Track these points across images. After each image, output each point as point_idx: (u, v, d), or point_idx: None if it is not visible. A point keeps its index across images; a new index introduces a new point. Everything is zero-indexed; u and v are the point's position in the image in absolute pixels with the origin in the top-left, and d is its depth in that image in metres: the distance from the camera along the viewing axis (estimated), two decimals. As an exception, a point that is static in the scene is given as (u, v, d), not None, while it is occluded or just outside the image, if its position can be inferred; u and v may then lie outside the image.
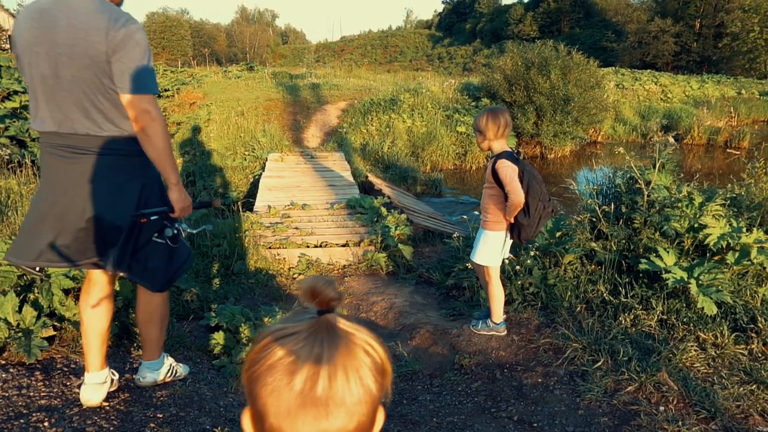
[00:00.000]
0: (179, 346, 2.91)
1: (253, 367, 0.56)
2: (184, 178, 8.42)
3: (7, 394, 2.08)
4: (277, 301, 4.04)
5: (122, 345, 2.74)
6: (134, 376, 2.36)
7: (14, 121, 6.92)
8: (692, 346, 2.78)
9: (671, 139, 13.64)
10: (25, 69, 1.84)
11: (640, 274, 3.42)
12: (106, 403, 2.16)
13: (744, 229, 3.29)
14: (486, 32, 65.30)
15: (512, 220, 2.93)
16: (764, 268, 3.20)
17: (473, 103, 13.23)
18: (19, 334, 2.36)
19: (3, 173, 5.28)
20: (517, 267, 3.61)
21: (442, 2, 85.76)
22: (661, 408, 2.37)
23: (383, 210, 5.70)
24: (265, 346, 0.57)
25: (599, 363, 2.74)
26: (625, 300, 3.27)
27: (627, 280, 3.44)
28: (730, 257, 3.25)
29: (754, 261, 3.17)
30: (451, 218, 7.11)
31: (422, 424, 2.55)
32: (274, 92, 15.26)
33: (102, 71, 1.80)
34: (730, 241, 3.20)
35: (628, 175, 4.08)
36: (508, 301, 3.48)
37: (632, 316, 3.12)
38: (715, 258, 3.33)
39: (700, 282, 3.04)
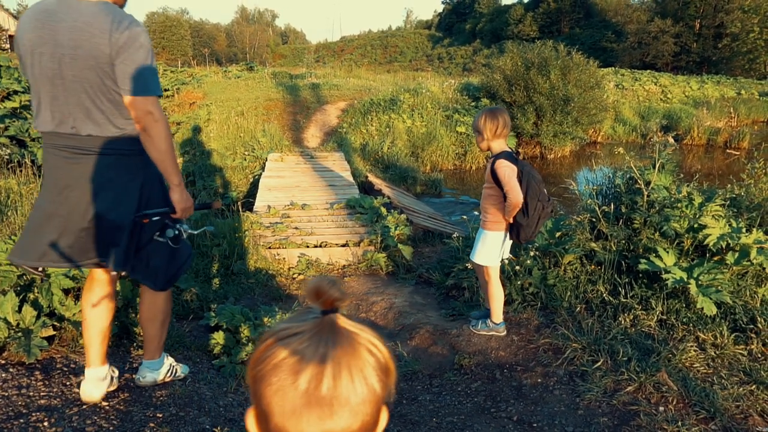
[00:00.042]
0: (179, 346, 2.91)
1: (258, 366, 0.56)
2: (183, 178, 8.42)
3: (6, 394, 2.08)
4: (277, 301, 4.04)
5: (122, 345, 2.74)
6: (134, 376, 2.36)
7: (14, 121, 6.92)
8: (692, 346, 2.78)
9: (671, 140, 13.66)
10: (27, 69, 1.85)
11: (640, 275, 3.42)
12: (106, 403, 2.17)
13: (744, 230, 3.30)
14: (486, 32, 65.32)
15: (511, 220, 2.93)
16: (764, 268, 3.21)
17: (473, 104, 13.23)
18: (19, 334, 2.36)
19: (3, 173, 5.28)
20: (517, 267, 3.61)
21: (442, 2, 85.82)
22: (661, 408, 2.37)
23: (383, 210, 5.70)
24: (270, 345, 0.57)
25: (599, 363, 2.74)
26: (624, 300, 3.27)
27: (627, 280, 3.44)
28: (730, 257, 3.26)
29: (754, 261, 3.17)
30: (450, 218, 7.11)
31: (422, 424, 2.55)
32: (274, 92, 15.26)
33: (105, 73, 1.81)
34: (729, 241, 3.20)
35: (628, 176, 4.08)
36: (508, 302, 3.48)
37: (632, 317, 3.12)
38: (715, 258, 3.33)
39: (699, 282, 3.05)
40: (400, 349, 3.26)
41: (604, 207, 3.85)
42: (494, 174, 2.89)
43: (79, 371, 2.35)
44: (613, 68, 29.26)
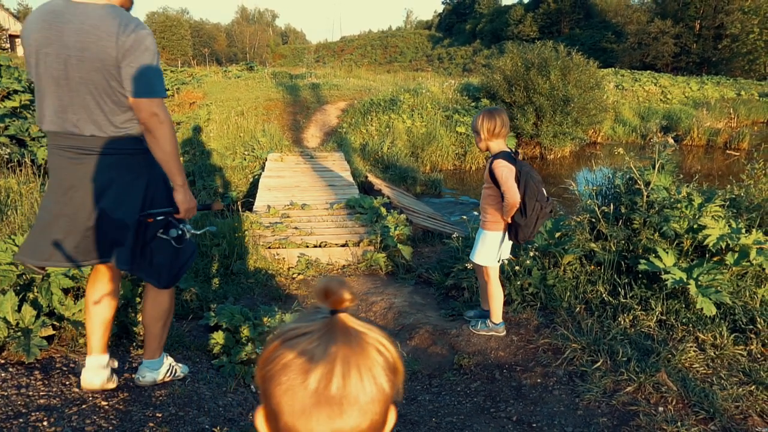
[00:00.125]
0: (178, 346, 2.91)
1: (267, 366, 0.57)
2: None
3: (6, 394, 2.08)
4: (277, 300, 4.04)
5: (122, 344, 2.74)
6: (134, 376, 2.36)
7: (14, 121, 6.92)
8: (691, 346, 2.78)
9: (671, 140, 13.66)
10: (32, 68, 1.87)
11: (640, 275, 3.42)
12: (105, 402, 2.16)
13: (743, 230, 3.30)
14: (486, 33, 65.33)
15: (509, 220, 2.93)
16: (763, 269, 3.21)
17: (473, 104, 13.24)
18: (18, 334, 2.36)
19: (3, 172, 5.28)
20: (517, 267, 3.62)
21: (442, 3, 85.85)
22: (660, 408, 2.37)
23: (383, 210, 5.70)
24: (279, 345, 0.57)
25: (598, 363, 2.74)
26: (624, 300, 3.27)
27: (626, 280, 3.44)
28: (730, 258, 3.26)
29: (753, 262, 3.17)
30: (450, 218, 7.11)
31: (421, 424, 2.55)
32: (274, 92, 15.27)
33: (110, 75, 1.84)
34: (729, 242, 3.20)
35: (628, 176, 4.08)
36: (508, 302, 3.48)
37: (631, 317, 3.12)
38: (715, 259, 3.33)
39: (699, 283, 3.05)
40: (400, 349, 3.26)
41: (603, 207, 3.85)
42: (492, 174, 2.90)
43: (79, 371, 2.34)
44: (613, 69, 29.27)
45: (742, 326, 2.94)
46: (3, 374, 2.19)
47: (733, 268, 3.25)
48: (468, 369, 3.00)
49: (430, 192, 9.33)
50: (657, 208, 3.66)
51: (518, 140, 12.07)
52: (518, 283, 3.60)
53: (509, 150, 2.96)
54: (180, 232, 2.06)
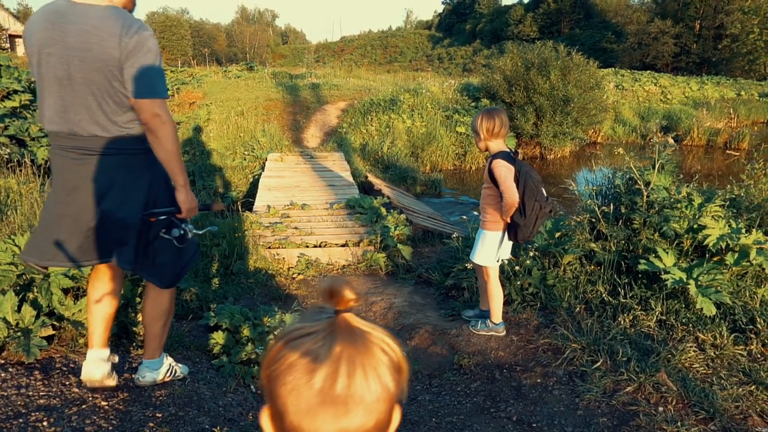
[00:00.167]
0: (178, 346, 2.91)
1: (272, 366, 0.57)
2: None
3: (6, 394, 2.08)
4: (276, 300, 4.04)
5: (121, 345, 2.74)
6: (133, 376, 2.36)
7: (14, 121, 6.91)
8: (691, 346, 2.78)
9: (671, 140, 13.66)
10: (34, 68, 1.88)
11: (640, 275, 3.42)
12: (105, 403, 2.16)
13: (743, 230, 3.30)
14: (486, 33, 65.33)
15: (509, 220, 2.93)
16: (763, 269, 3.21)
17: (473, 104, 13.23)
18: (18, 334, 2.35)
19: (2, 173, 5.28)
20: (517, 267, 3.61)
21: (442, 3, 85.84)
22: (660, 408, 2.37)
23: (383, 210, 5.70)
24: (284, 345, 0.58)
25: (598, 363, 2.74)
26: (624, 300, 3.27)
27: (626, 280, 3.44)
28: (730, 258, 3.26)
29: (753, 262, 3.17)
30: (450, 218, 7.11)
31: (421, 424, 2.55)
32: (274, 92, 15.27)
33: (113, 75, 1.85)
34: (729, 242, 3.20)
35: (628, 176, 4.08)
36: (508, 302, 3.48)
37: (631, 317, 3.12)
38: (715, 259, 3.33)
39: (699, 283, 3.05)
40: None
41: (603, 207, 3.85)
42: (491, 174, 2.90)
43: (78, 371, 2.34)
44: (613, 69, 29.26)
45: (742, 326, 2.94)
46: (3, 374, 2.19)
47: (733, 268, 3.25)
48: (468, 369, 3.00)
49: (430, 192, 9.33)
50: (657, 208, 3.66)
51: (518, 140, 12.07)
52: (518, 283, 3.60)
53: (509, 150, 2.96)
54: (182, 231, 2.08)
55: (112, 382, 2.24)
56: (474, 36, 67.95)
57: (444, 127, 11.74)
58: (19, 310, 2.44)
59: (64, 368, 2.35)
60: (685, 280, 3.05)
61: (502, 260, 3.21)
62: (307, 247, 4.99)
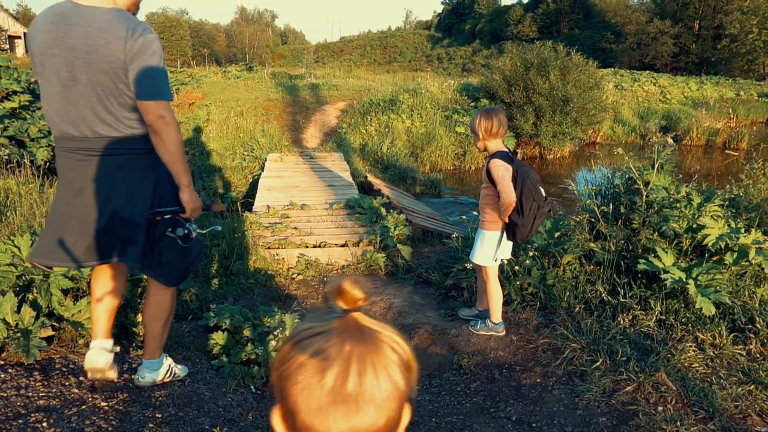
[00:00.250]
0: (178, 346, 2.91)
1: (283, 366, 0.58)
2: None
3: (5, 395, 2.08)
4: (276, 301, 4.04)
5: (121, 345, 2.74)
6: (133, 376, 2.36)
7: (13, 122, 6.91)
8: (691, 346, 2.79)
9: (670, 140, 13.67)
10: (38, 70, 1.90)
11: (639, 275, 3.43)
12: (105, 403, 2.16)
13: (742, 230, 3.30)
14: (485, 33, 65.36)
15: (507, 220, 2.94)
16: (762, 268, 3.21)
17: (472, 104, 13.24)
18: (18, 335, 2.35)
19: (2, 173, 5.28)
20: (516, 267, 3.62)
21: (442, 3, 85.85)
22: (660, 408, 2.37)
23: (382, 210, 5.70)
24: (295, 345, 0.58)
25: (598, 363, 2.74)
26: (623, 300, 3.27)
27: (625, 280, 3.45)
28: (729, 258, 3.26)
29: (753, 262, 3.17)
30: (449, 218, 7.11)
31: (421, 424, 2.55)
32: (274, 92, 15.26)
33: (118, 77, 1.88)
34: (728, 241, 3.21)
35: (627, 176, 4.09)
36: (507, 302, 3.48)
37: (631, 317, 3.12)
38: (714, 258, 3.34)
39: (698, 282, 3.05)
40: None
41: (603, 207, 3.85)
42: (489, 174, 2.91)
43: (78, 371, 2.35)
44: (612, 69, 29.29)
45: (741, 326, 2.94)
46: (2, 375, 2.19)
47: (732, 268, 3.25)
48: (468, 369, 3.00)
49: (430, 192, 9.33)
50: (656, 208, 3.66)
51: (518, 140, 12.07)
52: (518, 282, 3.61)
53: (507, 150, 2.96)
54: (186, 231, 2.11)
55: (113, 373, 2.26)
56: (473, 36, 67.97)
57: (443, 127, 11.74)
58: (18, 311, 2.44)
59: (64, 369, 2.35)
60: (684, 280, 3.05)
61: (502, 260, 3.21)
62: (307, 247, 4.99)
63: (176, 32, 64.69)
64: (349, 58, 65.69)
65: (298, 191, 7.01)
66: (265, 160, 9.02)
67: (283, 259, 4.80)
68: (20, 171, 5.30)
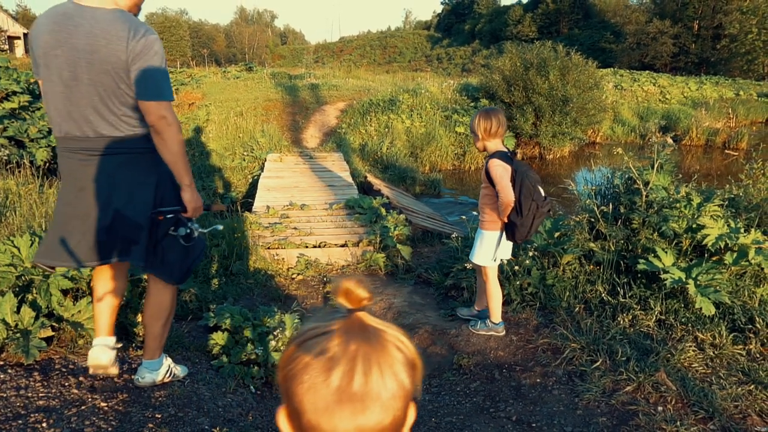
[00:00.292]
0: (178, 347, 2.91)
1: (289, 365, 0.58)
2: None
3: (5, 395, 2.07)
4: (276, 301, 4.04)
5: (121, 345, 2.73)
6: (133, 377, 2.36)
7: (13, 122, 6.91)
8: (690, 346, 2.79)
9: (669, 140, 13.68)
10: (41, 69, 1.92)
11: (639, 275, 3.43)
12: (105, 404, 2.16)
13: (742, 230, 3.30)
14: (485, 33, 65.35)
15: (506, 220, 2.94)
16: (762, 268, 3.21)
17: (472, 104, 13.24)
18: (18, 335, 2.35)
19: (1, 174, 5.28)
20: (516, 267, 3.62)
21: (441, 3, 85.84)
22: (660, 408, 2.37)
23: (382, 210, 5.70)
24: (300, 344, 0.58)
25: (597, 363, 2.74)
26: (623, 300, 3.27)
27: (625, 280, 3.45)
28: (728, 258, 3.26)
29: (752, 261, 3.17)
30: (449, 218, 7.11)
31: (421, 425, 2.55)
32: (273, 93, 15.26)
33: (120, 77, 1.89)
34: (728, 241, 3.21)
35: (627, 176, 4.09)
36: (507, 302, 3.48)
37: (630, 317, 3.12)
38: (714, 258, 3.34)
39: (698, 282, 3.05)
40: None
41: (602, 207, 3.85)
42: (488, 174, 2.92)
43: (78, 372, 2.34)
44: (611, 69, 29.28)
45: (741, 326, 2.94)
46: (2, 376, 2.19)
47: (732, 268, 3.25)
48: (467, 369, 3.00)
49: (430, 192, 9.33)
50: (656, 208, 3.66)
51: (517, 140, 12.07)
52: (517, 282, 3.61)
53: (506, 150, 2.97)
54: (188, 230, 2.13)
55: (115, 369, 2.27)
56: (473, 36, 67.97)
57: (443, 127, 11.75)
58: (18, 312, 2.44)
59: (64, 369, 2.35)
60: (684, 280, 3.05)
61: (502, 260, 3.21)
62: (307, 247, 4.99)
63: (176, 32, 64.64)
64: (348, 59, 65.70)
65: (297, 191, 7.01)
66: (265, 161, 9.02)
67: (283, 259, 4.80)
68: (20, 171, 5.30)
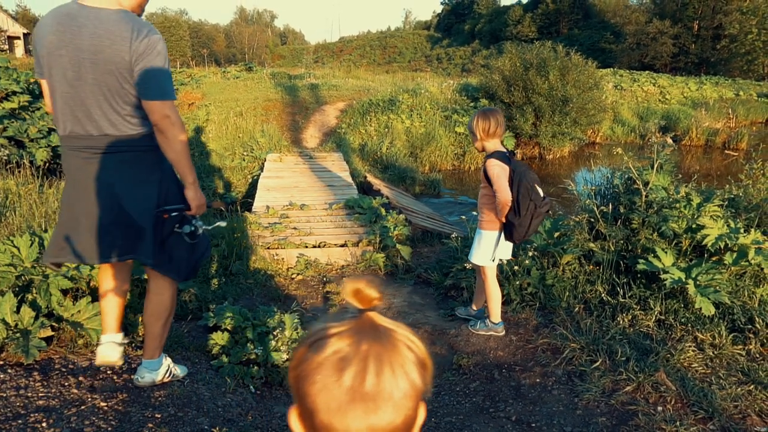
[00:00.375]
0: (177, 347, 2.91)
1: (301, 366, 0.58)
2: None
3: (5, 395, 2.07)
4: (276, 301, 4.04)
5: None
6: (132, 377, 2.36)
7: (12, 122, 6.91)
8: (690, 346, 2.79)
9: (669, 140, 13.68)
10: (45, 69, 1.94)
11: (638, 275, 3.43)
12: (104, 404, 2.16)
13: (742, 230, 3.30)
14: (485, 33, 65.35)
15: (504, 220, 2.94)
16: (762, 268, 3.21)
17: (472, 104, 13.24)
18: (17, 335, 2.35)
19: (1, 174, 5.28)
20: (516, 267, 3.62)
21: (441, 3, 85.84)
22: (659, 408, 2.37)
23: (382, 210, 5.70)
24: (311, 345, 0.59)
25: (597, 363, 2.74)
26: (623, 300, 3.27)
27: (625, 280, 3.45)
28: (728, 258, 3.26)
29: (752, 262, 3.18)
30: (449, 218, 7.11)
31: (420, 425, 2.54)
32: (273, 93, 15.26)
33: (123, 77, 1.92)
34: (728, 241, 3.21)
35: (627, 176, 4.09)
36: (506, 302, 3.48)
37: (630, 317, 3.12)
38: (713, 258, 3.34)
39: (697, 282, 3.05)
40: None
41: (602, 207, 3.85)
42: (486, 174, 2.93)
43: (77, 371, 2.34)
44: (611, 69, 29.30)
45: (741, 326, 2.94)
46: (2, 375, 2.19)
47: (732, 268, 3.25)
48: (467, 369, 3.00)
49: (429, 192, 9.33)
50: (656, 208, 3.67)
51: (517, 140, 12.07)
52: (517, 282, 3.61)
53: (505, 150, 2.97)
54: (193, 228, 2.15)
55: (120, 361, 2.33)
56: (473, 36, 67.96)
57: (443, 127, 11.75)
58: (18, 311, 2.44)
59: (63, 369, 2.35)
60: (683, 280, 3.06)
61: (501, 260, 3.21)
62: (306, 247, 4.99)
63: (175, 32, 64.59)
64: (348, 59, 65.71)
65: (297, 191, 7.01)
66: (265, 161, 9.02)
67: (283, 259, 4.80)
68: (19, 171, 5.30)
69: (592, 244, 3.73)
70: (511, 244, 3.14)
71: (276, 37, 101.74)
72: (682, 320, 3.04)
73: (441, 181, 9.72)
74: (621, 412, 2.40)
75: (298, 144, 11.37)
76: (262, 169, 8.57)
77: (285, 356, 2.90)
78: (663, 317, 3.11)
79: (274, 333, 2.95)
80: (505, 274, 3.65)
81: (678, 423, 2.25)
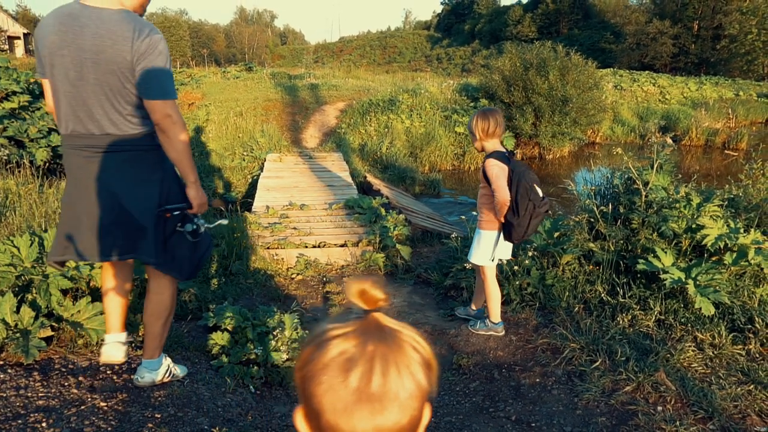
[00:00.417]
0: (177, 346, 2.91)
1: (307, 366, 0.58)
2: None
3: (5, 395, 2.07)
4: (276, 301, 4.04)
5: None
6: (132, 377, 2.36)
7: (12, 122, 6.91)
8: (690, 346, 2.79)
9: (669, 140, 13.69)
10: (47, 70, 1.95)
11: (638, 275, 3.43)
12: (104, 404, 2.16)
13: (741, 230, 3.31)
14: (485, 33, 65.36)
15: (503, 220, 2.94)
16: (761, 268, 3.21)
17: (471, 104, 13.24)
18: (17, 335, 2.35)
19: (1, 174, 5.28)
20: (515, 267, 3.62)
21: (441, 3, 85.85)
22: (659, 408, 2.37)
23: (382, 210, 5.70)
24: (317, 346, 0.59)
25: (597, 363, 2.74)
26: (623, 300, 3.27)
27: (625, 280, 3.45)
28: (728, 258, 3.26)
29: (752, 262, 3.18)
30: (449, 218, 7.11)
31: (420, 424, 2.54)
32: (273, 93, 15.27)
33: (125, 77, 1.93)
34: (727, 241, 3.21)
35: (626, 176, 4.09)
36: (506, 302, 3.48)
37: (630, 317, 3.12)
38: (713, 258, 3.34)
39: (697, 282, 3.05)
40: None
41: (602, 207, 3.85)
42: (485, 174, 2.93)
43: (77, 371, 2.34)
44: (611, 69, 29.30)
45: (741, 326, 2.94)
46: (2, 375, 2.19)
47: (732, 268, 3.25)
48: (467, 369, 3.00)
49: (429, 192, 9.33)
50: (655, 208, 3.67)
51: (517, 140, 12.07)
52: (517, 282, 3.61)
53: (504, 150, 2.98)
54: (195, 226, 2.16)
55: (124, 358, 2.35)
56: (473, 36, 67.97)
57: (443, 127, 11.75)
58: (18, 311, 2.43)
59: (63, 369, 2.35)
60: (683, 280, 3.06)
61: (501, 260, 3.21)
62: (306, 247, 4.99)
63: (175, 32, 64.57)
64: (348, 59, 65.71)
65: (297, 191, 7.01)
66: (265, 161, 9.02)
67: (283, 259, 4.80)
68: (19, 171, 5.30)
69: (591, 244, 3.73)
70: (510, 244, 3.14)
71: (276, 37, 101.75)
72: (682, 320, 3.04)
73: (441, 181, 9.72)
74: (621, 412, 2.40)
75: (298, 144, 11.37)
76: (261, 169, 8.57)
77: (285, 356, 2.90)
78: (663, 317, 3.11)
79: (274, 333, 2.95)
80: (504, 274, 3.65)
81: (678, 423, 2.25)
